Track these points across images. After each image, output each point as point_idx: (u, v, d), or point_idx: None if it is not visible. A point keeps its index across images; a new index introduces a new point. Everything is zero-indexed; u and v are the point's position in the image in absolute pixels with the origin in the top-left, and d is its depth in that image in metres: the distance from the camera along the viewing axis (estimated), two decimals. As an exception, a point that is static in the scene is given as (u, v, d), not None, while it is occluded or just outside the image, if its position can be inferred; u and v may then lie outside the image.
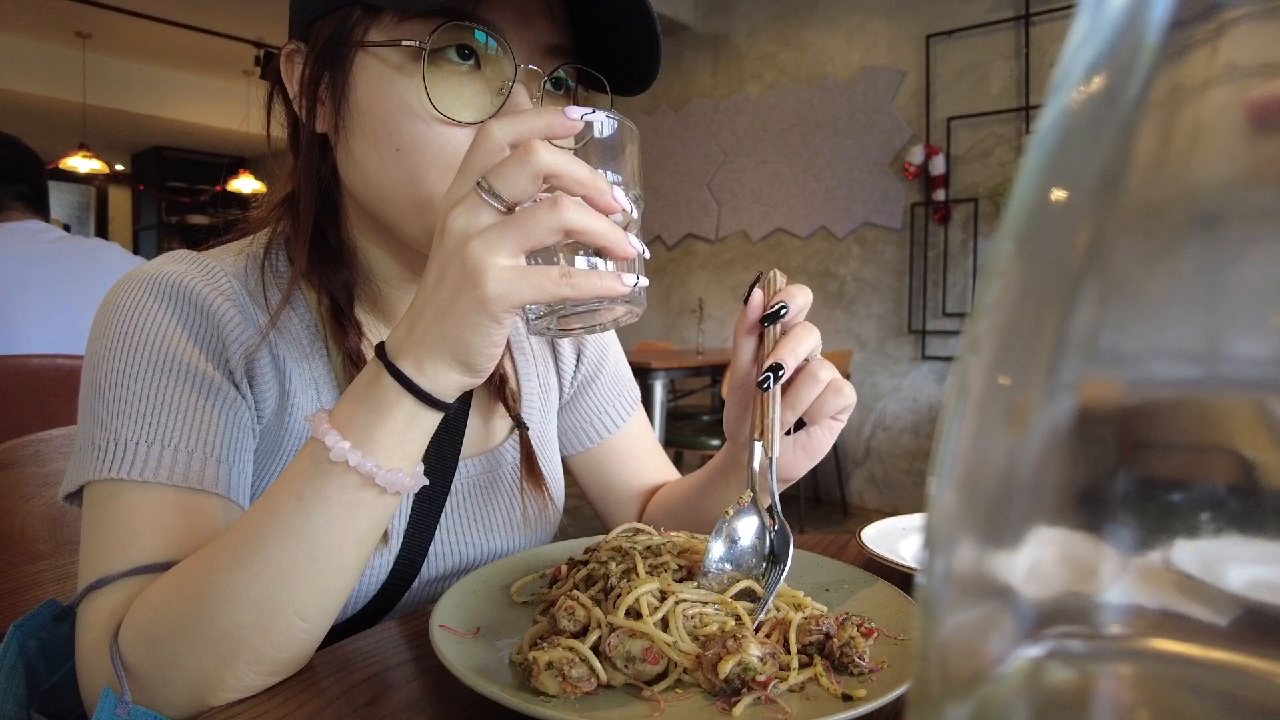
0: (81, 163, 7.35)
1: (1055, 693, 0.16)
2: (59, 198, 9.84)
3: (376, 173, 0.64)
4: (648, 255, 0.55)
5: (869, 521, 0.89)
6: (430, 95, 0.61)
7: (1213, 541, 0.15)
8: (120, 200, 10.27)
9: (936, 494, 0.17)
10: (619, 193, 0.51)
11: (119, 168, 9.58)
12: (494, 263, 0.48)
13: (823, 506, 4.74)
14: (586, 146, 0.53)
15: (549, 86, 0.67)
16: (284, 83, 0.69)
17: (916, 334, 4.57)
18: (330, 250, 0.71)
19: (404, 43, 0.61)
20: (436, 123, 0.62)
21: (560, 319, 0.55)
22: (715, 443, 3.87)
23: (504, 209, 0.49)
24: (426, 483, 0.56)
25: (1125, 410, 0.14)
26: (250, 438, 0.66)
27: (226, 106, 7.82)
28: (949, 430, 0.16)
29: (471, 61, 0.63)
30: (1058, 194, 0.14)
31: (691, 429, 4.05)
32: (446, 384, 0.52)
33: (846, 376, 0.66)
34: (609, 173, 0.53)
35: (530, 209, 0.48)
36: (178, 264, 0.67)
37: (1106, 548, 0.15)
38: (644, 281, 0.53)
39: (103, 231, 10.03)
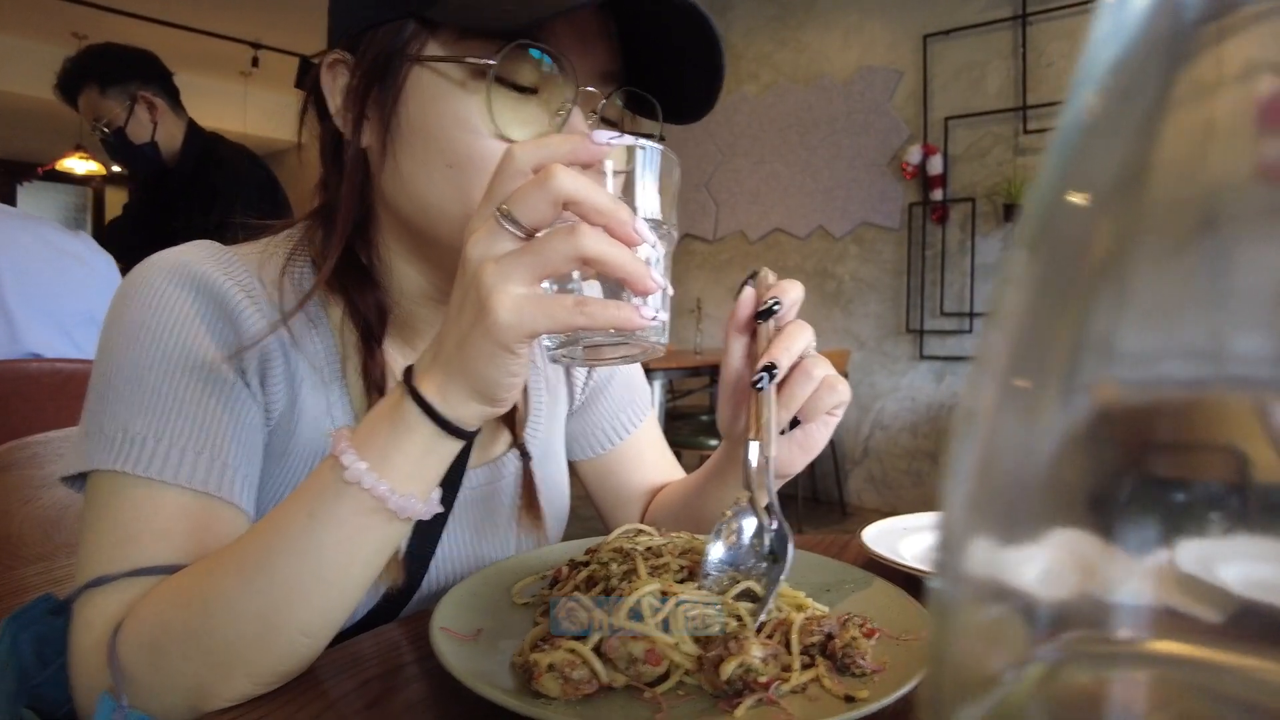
0: (78, 164, 7.34)
1: (1070, 698, 0.16)
2: (55, 199, 9.81)
3: (425, 189, 0.63)
4: (671, 291, 0.53)
5: (868, 521, 0.89)
6: (492, 112, 0.60)
7: (1230, 543, 0.14)
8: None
9: (950, 496, 0.16)
10: (641, 224, 0.49)
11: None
12: (507, 290, 0.47)
13: (821, 506, 4.74)
14: (621, 174, 0.52)
15: (601, 112, 0.66)
16: (323, 93, 0.68)
17: (914, 333, 4.57)
18: (361, 270, 0.70)
19: (469, 60, 0.60)
20: (492, 139, 0.61)
21: (583, 349, 0.53)
22: (713, 442, 3.87)
23: (523, 235, 0.48)
24: (441, 510, 0.55)
25: (1142, 411, 0.14)
26: (260, 439, 0.65)
27: (223, 107, 7.80)
28: (963, 433, 0.16)
29: (530, 83, 0.62)
30: (1075, 195, 0.13)
31: (690, 429, 4.05)
32: (467, 414, 0.52)
33: (844, 376, 0.66)
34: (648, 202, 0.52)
35: (547, 235, 0.47)
36: (200, 253, 0.66)
37: (1122, 549, 0.15)
38: (665, 315, 0.52)
39: (101, 233, 9.99)
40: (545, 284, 0.52)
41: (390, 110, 0.63)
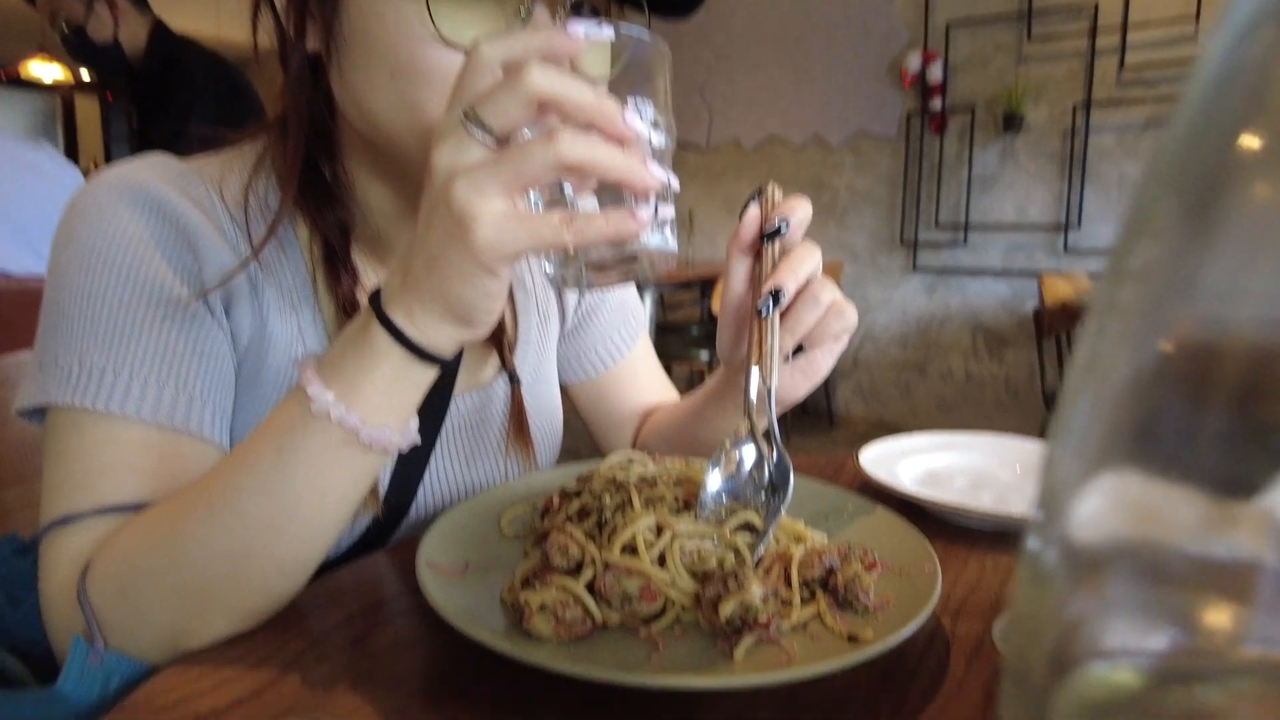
0: (43, 69, 7.04)
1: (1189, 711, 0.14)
2: (22, 107, 9.45)
3: (370, 99, 0.58)
4: (676, 185, 0.48)
5: (855, 431, 0.87)
6: (433, 14, 0.54)
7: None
8: (87, 109, 9.87)
9: (1058, 452, 0.14)
10: (631, 116, 0.44)
11: (83, 74, 9.19)
12: (483, 207, 0.42)
13: (809, 416, 4.78)
14: (604, 69, 0.47)
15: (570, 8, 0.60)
16: None
17: (908, 245, 4.52)
18: (324, 186, 0.65)
19: None
20: (438, 45, 0.55)
21: (590, 271, 0.49)
22: (704, 355, 3.86)
23: (494, 142, 0.43)
24: (418, 442, 0.52)
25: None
26: (229, 368, 0.62)
27: (193, 8, 7.44)
28: (1079, 386, 0.13)
29: None
30: (1249, 138, 0.10)
31: (680, 342, 4.04)
32: (441, 338, 0.48)
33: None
34: (638, 100, 0.47)
35: (523, 143, 0.42)
36: (154, 170, 0.61)
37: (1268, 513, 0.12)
38: (667, 213, 0.47)
39: (72, 144, 9.67)
40: (533, 195, 0.47)
41: (332, 12, 0.58)
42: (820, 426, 4.63)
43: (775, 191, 0.63)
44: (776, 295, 0.58)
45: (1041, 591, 0.16)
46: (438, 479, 0.73)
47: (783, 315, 0.61)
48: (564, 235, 0.43)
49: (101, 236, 0.58)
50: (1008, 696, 0.17)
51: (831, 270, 4.22)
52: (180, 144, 0.67)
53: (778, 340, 0.59)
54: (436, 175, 0.44)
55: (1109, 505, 0.14)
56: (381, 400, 0.48)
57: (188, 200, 0.61)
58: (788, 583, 0.50)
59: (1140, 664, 0.15)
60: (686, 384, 4.68)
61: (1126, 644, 0.15)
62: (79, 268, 0.57)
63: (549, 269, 0.50)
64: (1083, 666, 0.15)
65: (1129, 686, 0.15)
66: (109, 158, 9.35)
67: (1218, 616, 0.14)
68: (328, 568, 0.60)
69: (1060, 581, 0.15)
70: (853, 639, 0.45)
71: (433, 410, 0.70)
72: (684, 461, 0.64)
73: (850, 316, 0.62)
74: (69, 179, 1.62)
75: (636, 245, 0.47)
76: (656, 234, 0.47)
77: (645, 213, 0.45)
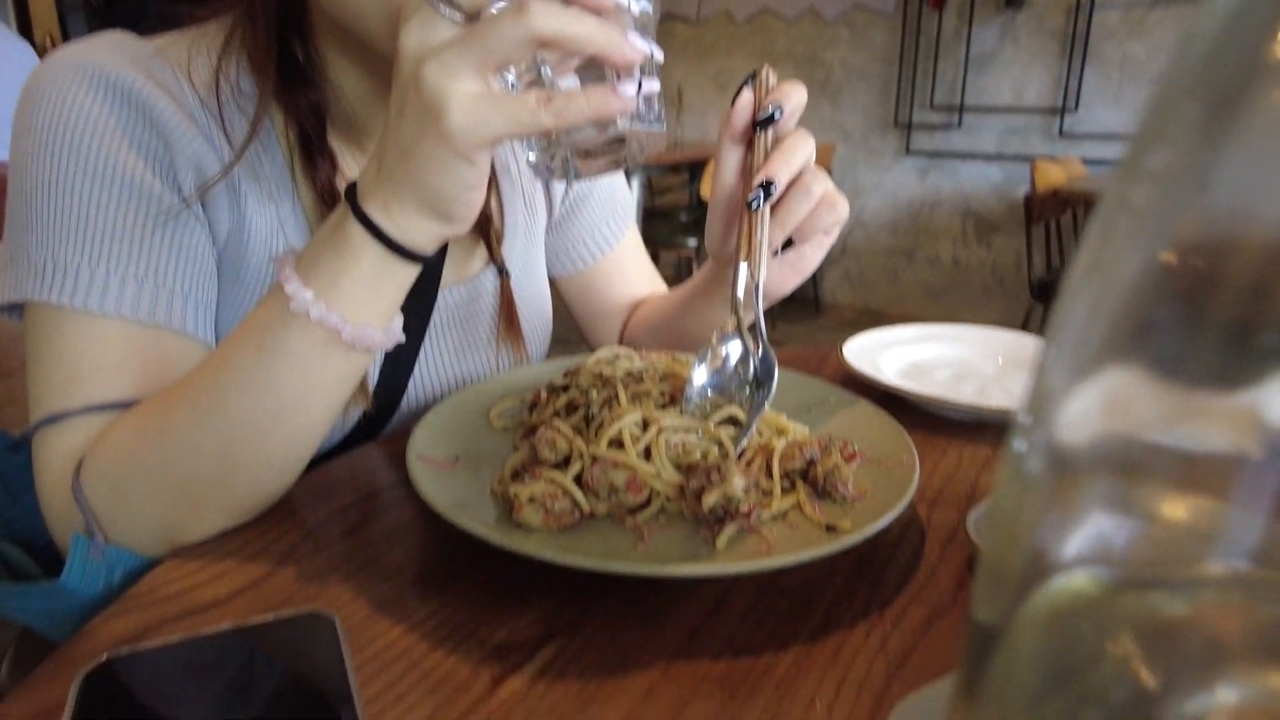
0: (-12, -68, 6.56)
1: (1154, 617, 0.14)
2: (-30, -25, 8.85)
3: None
4: (660, 57, 0.45)
5: (842, 318, 0.88)
6: None
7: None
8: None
9: (1051, 357, 0.14)
10: None
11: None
12: (455, 89, 0.40)
13: (795, 303, 4.78)
14: None
15: None
16: None
17: (902, 127, 4.41)
18: (296, 68, 0.62)
19: None
20: None
21: (576, 158, 0.47)
22: (692, 242, 3.82)
23: (462, 19, 0.41)
24: (403, 339, 0.51)
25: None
26: (209, 261, 0.60)
27: None
28: (1078, 289, 0.13)
29: None
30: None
31: (668, 228, 3.98)
32: (420, 234, 0.46)
33: (828, 172, 0.61)
34: None
35: (492, 19, 0.40)
36: (114, 51, 0.58)
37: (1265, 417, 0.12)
38: (653, 86, 0.45)
39: (24, 15, 9.12)
40: (511, 79, 0.45)
41: None
42: (806, 313, 4.64)
43: (770, 76, 0.61)
44: (768, 188, 0.57)
45: (1024, 494, 0.16)
46: (428, 372, 0.73)
47: (773, 208, 0.60)
48: (542, 117, 0.41)
49: (63, 125, 0.55)
50: (982, 591, 0.18)
51: (823, 152, 4.13)
52: (145, 26, 0.63)
53: (767, 234, 0.59)
54: (405, 59, 0.42)
55: (1098, 403, 0.14)
56: (363, 298, 0.47)
57: (154, 85, 0.58)
58: (769, 474, 0.52)
59: (1105, 573, 0.16)
60: (675, 271, 4.65)
61: (1096, 550, 0.15)
62: (41, 159, 0.55)
63: (532, 157, 0.48)
64: (1056, 574, 0.16)
65: (1091, 592, 0.16)
66: (65, 32, 8.82)
67: (1192, 516, 0.14)
68: (321, 460, 0.61)
69: (1043, 485, 0.15)
70: (830, 529, 0.47)
71: (420, 303, 0.70)
72: (670, 356, 0.65)
73: (841, 209, 0.61)
74: (23, 57, 1.54)
75: (623, 125, 0.45)
76: (643, 112, 0.45)
77: (629, 89, 0.43)
